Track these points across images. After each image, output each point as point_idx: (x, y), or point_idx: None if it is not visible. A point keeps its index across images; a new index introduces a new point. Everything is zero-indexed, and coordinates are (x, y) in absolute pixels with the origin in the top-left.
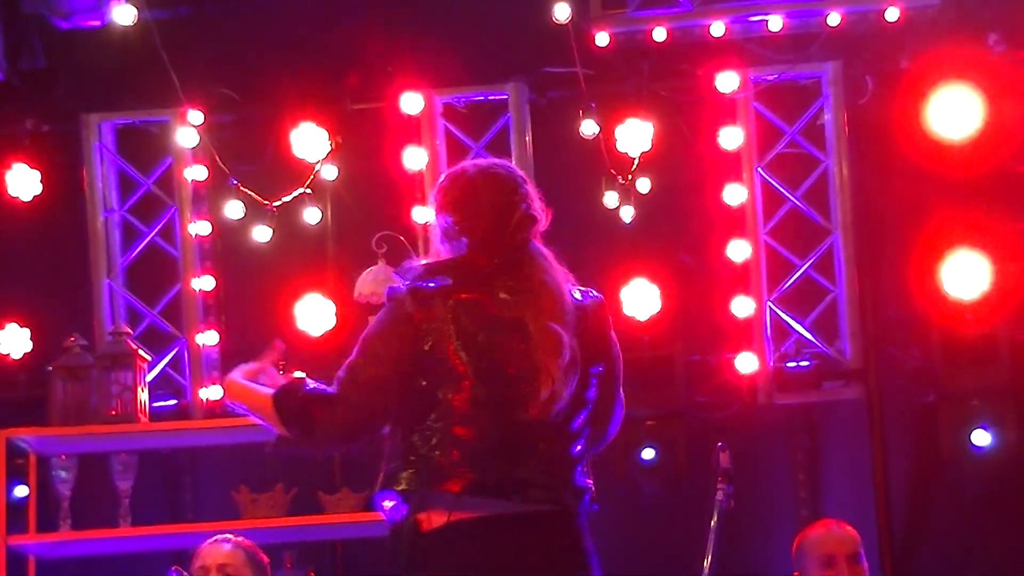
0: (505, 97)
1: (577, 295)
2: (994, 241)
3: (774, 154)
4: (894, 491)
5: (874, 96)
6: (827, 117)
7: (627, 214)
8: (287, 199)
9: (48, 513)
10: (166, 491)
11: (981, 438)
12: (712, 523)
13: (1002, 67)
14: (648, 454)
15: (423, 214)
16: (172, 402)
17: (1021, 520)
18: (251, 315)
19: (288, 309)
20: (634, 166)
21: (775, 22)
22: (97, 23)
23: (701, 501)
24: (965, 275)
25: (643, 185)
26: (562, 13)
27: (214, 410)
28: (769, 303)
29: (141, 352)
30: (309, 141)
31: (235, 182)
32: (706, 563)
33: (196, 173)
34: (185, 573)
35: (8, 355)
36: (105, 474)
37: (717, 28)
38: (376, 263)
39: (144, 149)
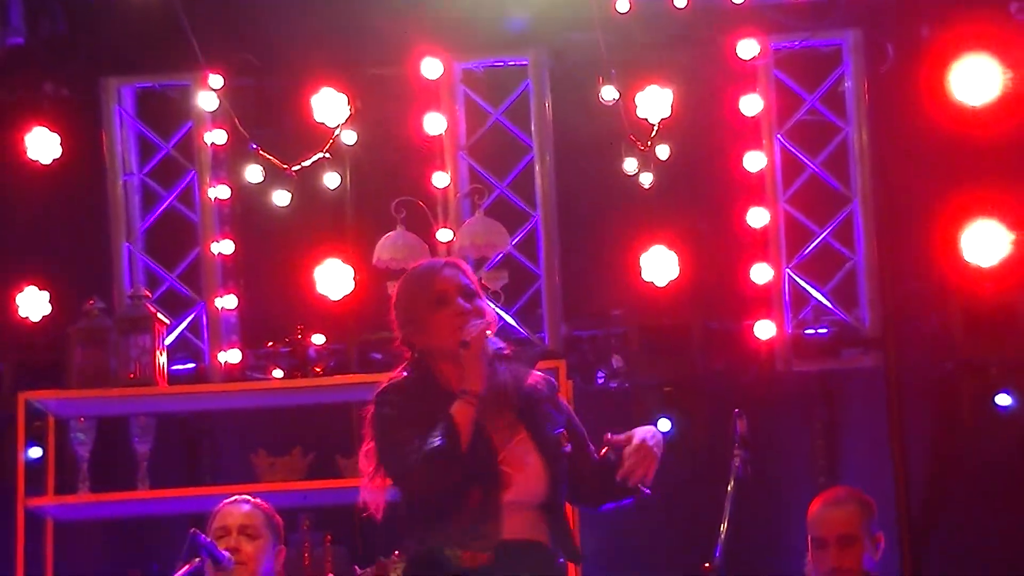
0: (525, 63)
1: None
2: (1014, 209)
3: (794, 121)
4: (912, 459)
5: (895, 64)
6: (847, 84)
7: (646, 180)
8: (306, 164)
9: (66, 475)
10: (184, 454)
11: (1003, 400)
12: (728, 490)
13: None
14: (664, 425)
15: (442, 180)
16: (190, 366)
17: None
18: (270, 279)
19: (307, 274)
20: (653, 132)
21: None
22: None
23: (718, 468)
24: (984, 243)
25: (662, 152)
26: None
27: (232, 374)
28: (788, 270)
29: (160, 316)
30: (329, 106)
31: (254, 146)
32: (722, 529)
33: (216, 137)
34: (203, 535)
35: (27, 318)
36: (123, 437)
37: None
38: (395, 228)
39: (163, 113)
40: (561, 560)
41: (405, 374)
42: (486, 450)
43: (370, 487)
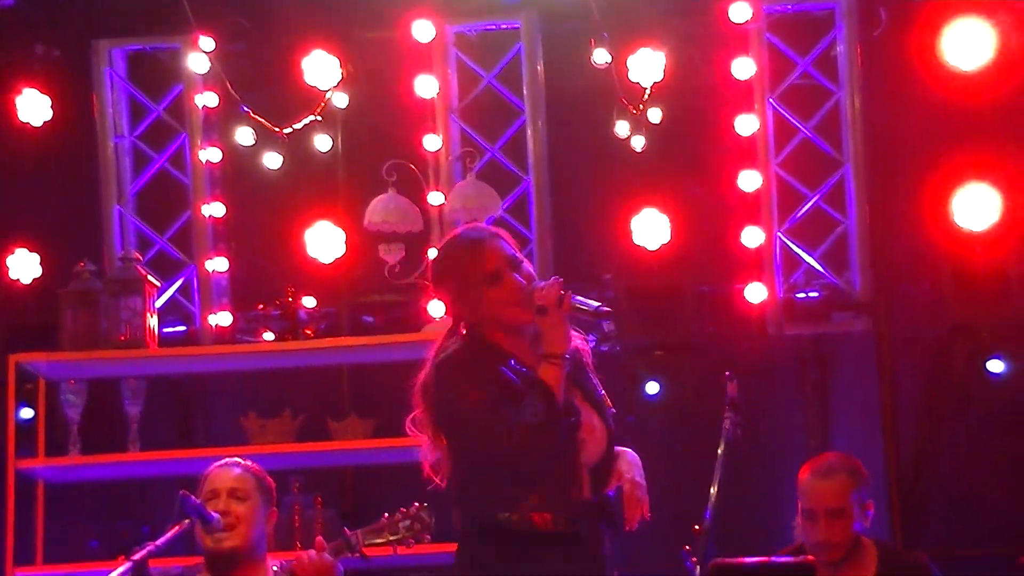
0: (517, 26)
1: None
2: (1006, 173)
3: (786, 85)
4: (903, 423)
5: (887, 28)
6: (840, 49)
7: (638, 144)
8: (298, 127)
9: (57, 438)
10: (175, 417)
11: (995, 366)
12: (719, 453)
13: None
14: (652, 388)
15: (433, 143)
16: (181, 328)
17: None
18: (261, 242)
19: (298, 236)
20: (646, 96)
21: None
22: None
23: (709, 431)
24: (976, 207)
25: (654, 115)
26: None
27: (223, 336)
28: (779, 234)
29: (150, 278)
30: (320, 69)
31: (246, 109)
32: (712, 491)
33: (207, 100)
34: (194, 498)
35: (18, 280)
36: (114, 400)
37: None
38: (386, 191)
39: (155, 76)
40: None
41: (457, 344)
42: (571, 414)
43: (429, 458)
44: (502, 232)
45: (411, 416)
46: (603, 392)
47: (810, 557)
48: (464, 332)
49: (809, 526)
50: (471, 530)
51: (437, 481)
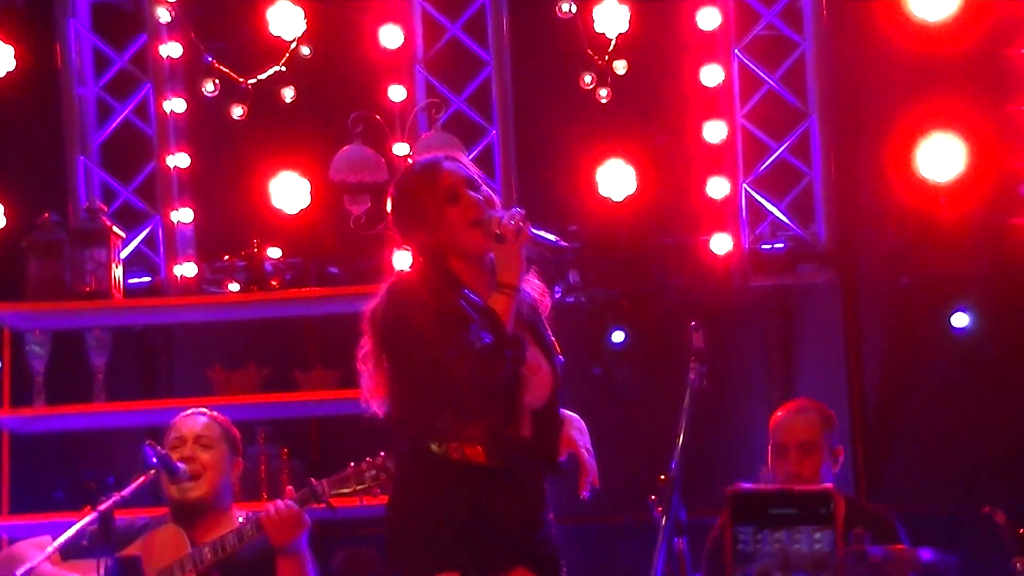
0: None
1: None
2: (971, 124)
3: (752, 36)
4: (868, 373)
5: None
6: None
7: (603, 95)
8: (262, 77)
9: (22, 388)
10: (140, 368)
11: (959, 320)
12: (684, 403)
13: None
14: (618, 337)
15: (399, 94)
16: (146, 279)
17: (991, 402)
18: (226, 193)
19: (263, 187)
20: (611, 47)
21: None
22: None
23: (674, 381)
24: (941, 158)
25: (620, 66)
26: None
27: (188, 287)
28: (744, 185)
29: (115, 229)
30: (285, 19)
31: (210, 59)
32: (679, 442)
33: (171, 50)
34: (159, 448)
35: None
36: (79, 350)
37: None
38: (352, 142)
39: (118, 26)
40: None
41: (413, 271)
42: (517, 346)
43: (369, 386)
44: (461, 156)
45: (360, 352)
46: (553, 339)
47: (828, 484)
48: (422, 260)
49: (780, 462)
50: (408, 459)
51: (374, 409)
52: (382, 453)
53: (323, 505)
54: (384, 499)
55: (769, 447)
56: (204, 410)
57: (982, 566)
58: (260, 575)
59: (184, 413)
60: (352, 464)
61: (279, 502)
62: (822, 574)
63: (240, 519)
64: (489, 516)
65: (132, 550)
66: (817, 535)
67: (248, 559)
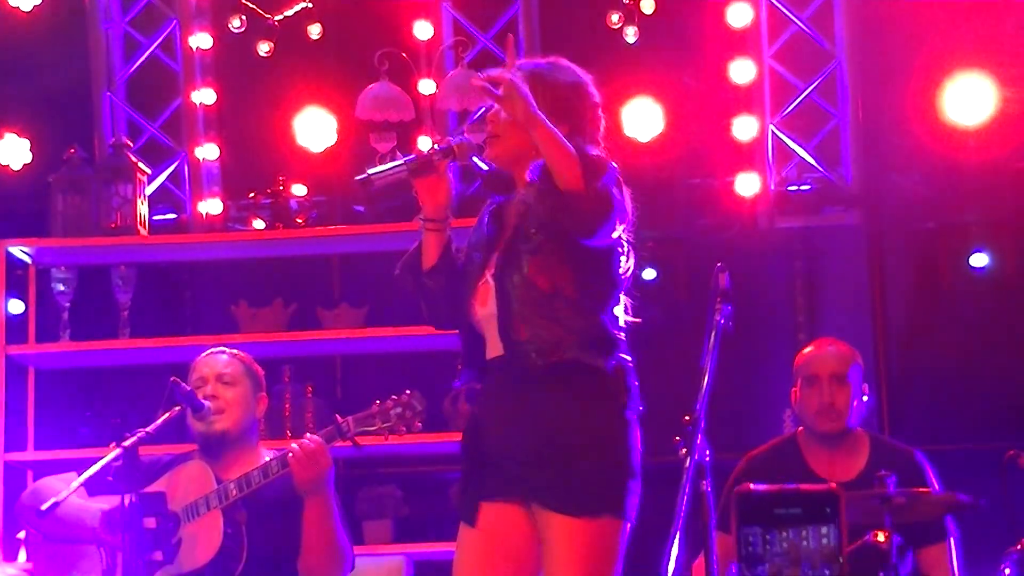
0: None
1: None
2: (1000, 66)
3: None
4: (891, 316)
5: None
6: None
7: (631, 34)
8: (289, 13)
9: (47, 325)
10: (165, 305)
11: (979, 260)
12: (709, 344)
13: None
14: (649, 274)
15: (425, 31)
16: (171, 216)
17: (1013, 344)
18: (251, 129)
19: (289, 125)
20: None
21: None
22: None
23: (699, 322)
24: (970, 101)
25: (647, 5)
26: None
27: (213, 224)
28: (771, 126)
29: (141, 165)
30: None
31: None
32: (703, 383)
33: None
34: (184, 385)
35: (8, 166)
36: (105, 287)
37: None
38: (378, 80)
39: None
40: None
41: None
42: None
43: None
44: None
45: None
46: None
47: (829, 485)
48: None
49: (811, 392)
50: None
51: None
52: (407, 391)
53: (348, 442)
54: (409, 437)
55: (796, 384)
56: (225, 348)
57: (1005, 507)
58: (286, 514)
59: (205, 352)
60: (377, 402)
61: (304, 438)
62: (831, 567)
63: (267, 457)
64: None
65: (158, 486)
66: (824, 529)
67: (273, 498)
